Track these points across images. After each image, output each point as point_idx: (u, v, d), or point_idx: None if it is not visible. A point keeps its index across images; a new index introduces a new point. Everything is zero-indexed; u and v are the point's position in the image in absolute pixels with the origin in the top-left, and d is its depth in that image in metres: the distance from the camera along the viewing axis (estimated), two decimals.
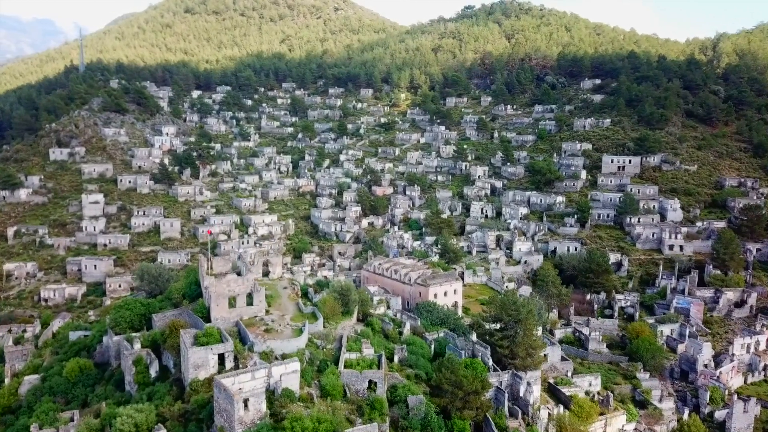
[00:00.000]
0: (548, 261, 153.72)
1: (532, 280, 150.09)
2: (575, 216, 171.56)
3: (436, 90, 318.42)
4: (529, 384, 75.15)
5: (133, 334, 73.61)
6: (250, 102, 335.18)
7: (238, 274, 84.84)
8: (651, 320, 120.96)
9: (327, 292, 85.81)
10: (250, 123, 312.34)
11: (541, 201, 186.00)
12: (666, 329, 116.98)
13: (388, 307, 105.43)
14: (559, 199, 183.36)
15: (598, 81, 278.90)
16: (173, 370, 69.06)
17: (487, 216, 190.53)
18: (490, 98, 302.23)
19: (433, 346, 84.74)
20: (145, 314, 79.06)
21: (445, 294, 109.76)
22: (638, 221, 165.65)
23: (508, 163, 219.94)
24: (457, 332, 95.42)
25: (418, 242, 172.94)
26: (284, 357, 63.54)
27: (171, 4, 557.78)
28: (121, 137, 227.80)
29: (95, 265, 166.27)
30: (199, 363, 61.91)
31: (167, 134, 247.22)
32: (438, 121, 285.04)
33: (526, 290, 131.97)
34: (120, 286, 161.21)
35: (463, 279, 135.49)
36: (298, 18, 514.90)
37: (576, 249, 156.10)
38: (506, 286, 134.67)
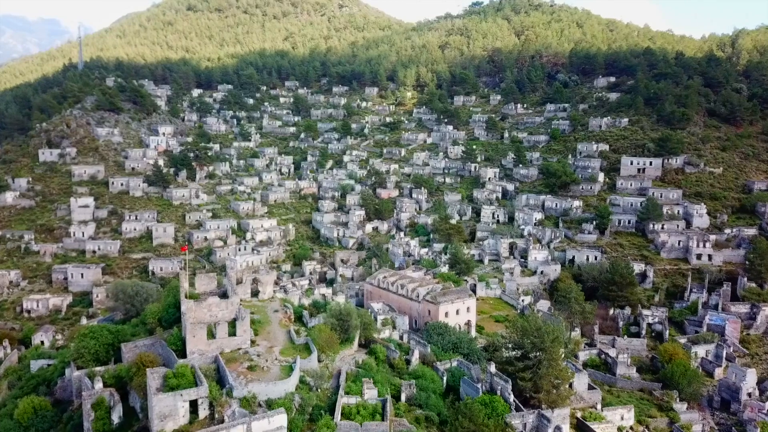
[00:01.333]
0: (566, 271, 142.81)
1: (548, 291, 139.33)
2: (594, 222, 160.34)
3: (443, 88, 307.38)
4: (559, 429, 64.32)
5: (97, 369, 63.18)
6: (251, 101, 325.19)
7: (224, 294, 74.43)
8: (683, 339, 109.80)
9: (324, 317, 75.31)
10: (252, 122, 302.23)
11: (556, 205, 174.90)
12: (700, 350, 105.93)
13: (394, 327, 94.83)
14: (576, 203, 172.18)
15: (612, 79, 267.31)
16: (140, 415, 58.67)
17: (498, 221, 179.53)
18: (499, 97, 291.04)
19: (445, 378, 74.06)
20: (114, 343, 68.72)
21: (457, 312, 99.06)
22: (662, 228, 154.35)
23: (520, 165, 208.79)
24: (471, 358, 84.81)
25: (426, 249, 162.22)
26: (269, 404, 53.00)
27: (174, 1, 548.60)
28: (115, 137, 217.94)
29: (82, 274, 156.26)
30: (166, 412, 51.55)
31: (164, 134, 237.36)
32: (445, 120, 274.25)
33: (544, 305, 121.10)
34: (108, 296, 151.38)
35: (475, 292, 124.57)
36: (301, 15, 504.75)
37: (596, 258, 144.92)
38: (522, 300, 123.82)
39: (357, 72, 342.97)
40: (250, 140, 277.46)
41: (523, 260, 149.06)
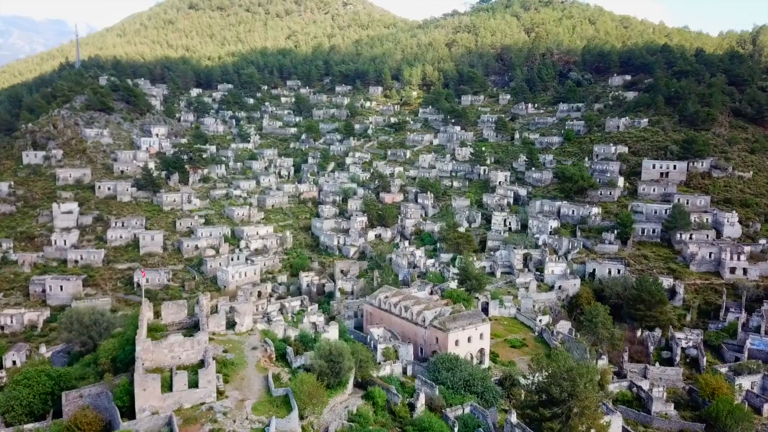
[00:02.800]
0: (586, 286, 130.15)
1: (567, 308, 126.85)
2: (615, 231, 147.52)
3: (450, 87, 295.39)
4: None
5: (27, 428, 51.39)
6: (252, 101, 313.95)
7: (196, 325, 62.46)
8: (724, 369, 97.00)
9: (311, 357, 63.16)
10: (251, 123, 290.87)
11: (573, 212, 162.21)
12: (745, 382, 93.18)
13: (397, 358, 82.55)
14: (595, 210, 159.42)
15: (628, 77, 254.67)
16: None
17: (510, 229, 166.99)
18: (509, 96, 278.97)
19: (456, 429, 61.82)
20: (55, 391, 56.96)
21: (469, 340, 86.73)
22: (690, 238, 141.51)
23: (533, 168, 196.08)
24: (486, 397, 72.61)
25: (432, 260, 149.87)
26: None
27: (176, 0, 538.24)
28: (104, 138, 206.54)
29: (61, 286, 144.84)
30: None
31: (157, 135, 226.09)
32: (453, 120, 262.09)
33: (564, 326, 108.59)
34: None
35: (487, 312, 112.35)
36: (305, 13, 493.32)
37: (619, 272, 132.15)
38: (539, 320, 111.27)
39: (361, 71, 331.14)
40: (248, 141, 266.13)
41: (538, 273, 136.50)
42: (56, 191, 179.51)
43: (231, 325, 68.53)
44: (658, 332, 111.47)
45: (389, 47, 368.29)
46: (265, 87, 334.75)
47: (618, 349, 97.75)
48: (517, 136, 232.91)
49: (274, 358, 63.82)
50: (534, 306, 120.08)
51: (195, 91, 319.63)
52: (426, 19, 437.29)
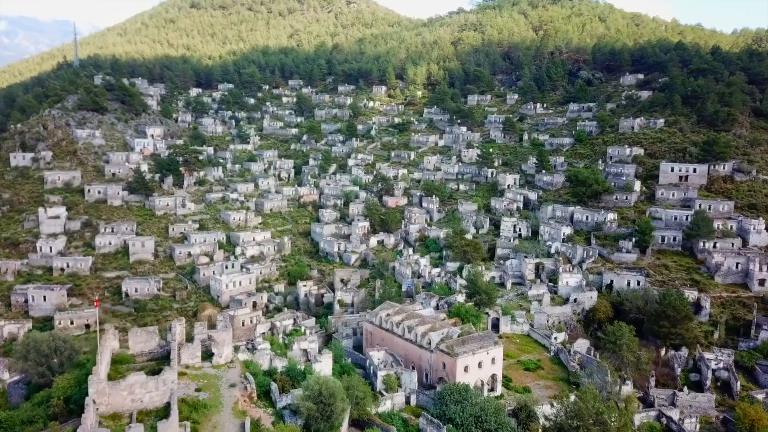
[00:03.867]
0: (603, 299, 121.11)
1: (583, 323, 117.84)
2: (633, 238, 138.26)
3: (456, 86, 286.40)
4: None
5: None
6: (252, 101, 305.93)
7: (167, 356, 53.88)
8: (760, 395, 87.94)
9: (298, 398, 54.38)
10: (251, 123, 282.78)
11: (587, 218, 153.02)
12: None
13: (399, 386, 73.78)
14: (610, 216, 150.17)
15: (640, 76, 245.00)
16: None
17: (521, 235, 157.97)
18: (516, 96, 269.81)
19: None
20: None
21: (480, 365, 77.88)
22: (714, 246, 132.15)
23: (544, 171, 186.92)
24: None
25: (438, 269, 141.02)
26: None
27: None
28: (96, 139, 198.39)
29: (45, 296, 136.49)
30: None
31: (152, 136, 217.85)
32: (459, 121, 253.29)
33: (582, 345, 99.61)
34: (72, 323, 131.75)
35: (498, 328, 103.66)
36: (308, 12, 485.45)
37: (638, 283, 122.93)
38: (554, 338, 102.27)
39: (364, 70, 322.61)
40: (248, 142, 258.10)
41: (552, 285, 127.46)
42: (44, 195, 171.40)
43: (208, 355, 60.03)
44: (684, 352, 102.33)
45: (393, 45, 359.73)
46: (267, 87, 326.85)
47: (644, 374, 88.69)
48: (525, 137, 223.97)
49: (255, 396, 55.17)
50: (548, 321, 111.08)
51: (195, 91, 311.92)
52: (431, 17, 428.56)
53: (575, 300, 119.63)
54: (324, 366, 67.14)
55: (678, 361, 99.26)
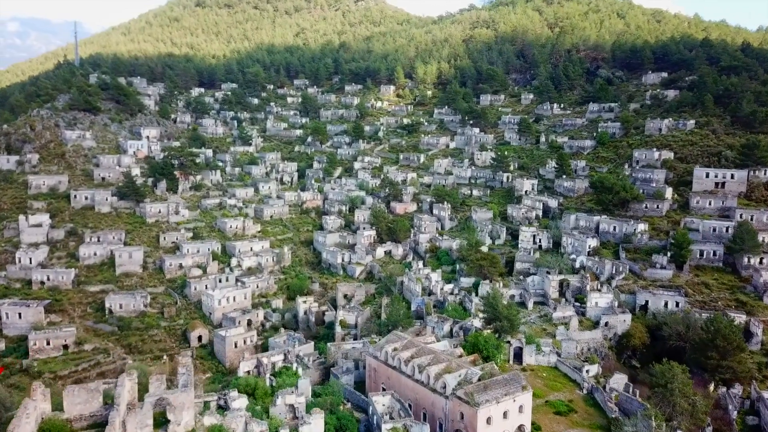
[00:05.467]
0: (638, 322, 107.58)
1: (615, 350, 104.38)
2: (668, 253, 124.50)
3: (467, 86, 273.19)
4: None
5: None
6: (256, 101, 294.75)
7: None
8: None
9: None
10: (254, 125, 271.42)
11: (614, 229, 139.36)
12: None
13: None
14: (641, 226, 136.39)
15: (664, 74, 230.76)
16: None
17: (541, 247, 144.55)
18: (531, 95, 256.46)
19: None
20: None
21: (505, 415, 64.85)
22: (761, 263, 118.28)
23: (564, 176, 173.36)
24: None
25: (451, 285, 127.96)
26: None
27: None
28: (87, 141, 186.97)
29: (20, 313, 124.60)
30: None
31: (147, 138, 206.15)
32: (471, 121, 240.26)
33: (619, 382, 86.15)
34: (49, 343, 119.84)
35: (521, 359, 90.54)
36: (314, 10, 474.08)
37: (677, 305, 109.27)
38: (586, 371, 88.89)
39: (372, 69, 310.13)
40: (250, 144, 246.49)
41: (578, 305, 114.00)
42: (27, 201, 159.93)
43: (163, 421, 47.49)
44: (738, 389, 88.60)
45: (402, 43, 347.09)
46: (271, 86, 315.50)
47: (701, 423, 75.06)
48: (542, 138, 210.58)
49: None
50: (577, 347, 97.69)
51: (197, 91, 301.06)
52: (441, 15, 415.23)
53: (606, 324, 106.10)
54: (314, 429, 54.47)
55: (732, 401, 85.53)
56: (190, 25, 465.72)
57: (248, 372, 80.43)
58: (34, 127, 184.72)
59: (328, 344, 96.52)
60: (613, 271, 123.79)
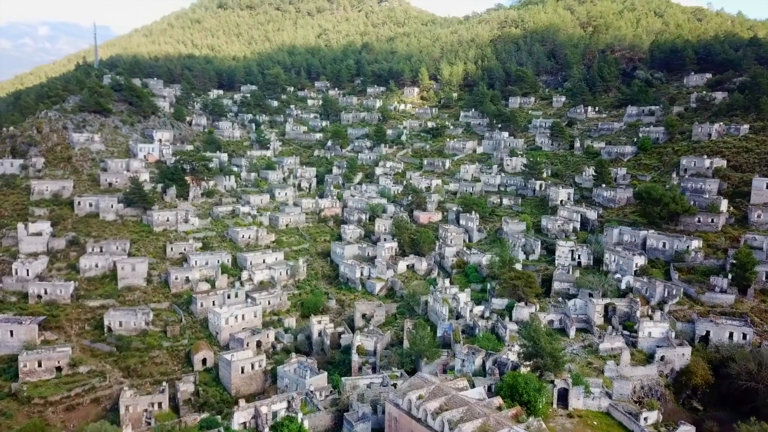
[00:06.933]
0: (698, 355, 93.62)
1: (673, 389, 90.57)
2: (728, 274, 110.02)
3: (495, 88, 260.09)
4: None
5: None
6: (276, 103, 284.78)
7: None
8: None
9: None
10: (273, 128, 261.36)
11: (664, 245, 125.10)
12: None
13: None
14: (694, 243, 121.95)
15: (708, 75, 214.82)
16: None
17: (580, 264, 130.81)
18: (564, 98, 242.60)
19: None
20: None
21: None
22: None
23: (603, 185, 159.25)
24: None
25: (481, 307, 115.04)
26: None
27: (206, 0, 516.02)
28: (95, 144, 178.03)
29: (11, 331, 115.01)
30: None
31: (159, 141, 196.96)
32: (499, 125, 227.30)
33: None
34: (40, 365, 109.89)
35: (566, 402, 77.34)
36: (337, 11, 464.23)
37: (744, 337, 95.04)
38: (644, 419, 75.38)
39: (395, 70, 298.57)
40: (268, 148, 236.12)
41: (628, 333, 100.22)
42: (29, 207, 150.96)
43: None
44: None
45: (427, 44, 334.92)
46: (291, 88, 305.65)
47: None
48: (577, 144, 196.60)
49: None
50: (632, 390, 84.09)
51: (215, 93, 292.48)
52: (467, 15, 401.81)
53: (662, 358, 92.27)
54: None
55: None
56: (212, 26, 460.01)
57: (244, 424, 68.59)
58: (40, 129, 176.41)
59: (343, 379, 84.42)
60: (665, 294, 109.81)
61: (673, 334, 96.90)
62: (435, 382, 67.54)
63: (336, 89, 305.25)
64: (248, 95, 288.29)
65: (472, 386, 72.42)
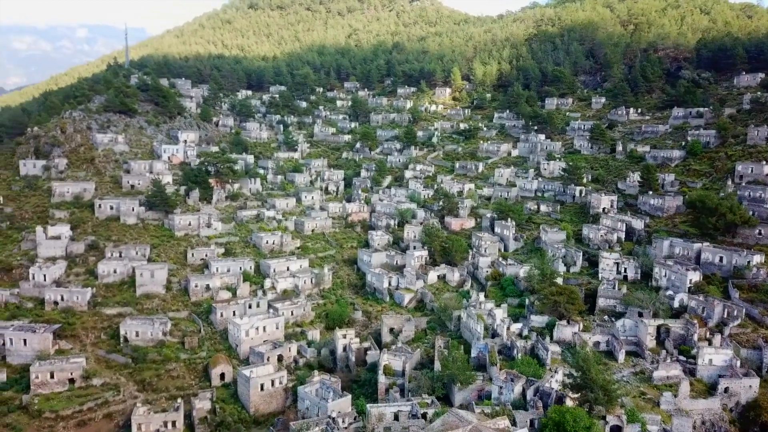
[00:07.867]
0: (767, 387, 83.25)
1: (739, 425, 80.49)
2: None
3: (531, 88, 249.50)
4: None
5: None
6: (304, 104, 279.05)
7: None
8: None
9: None
10: (301, 129, 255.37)
11: (721, 260, 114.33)
12: None
13: None
14: (756, 258, 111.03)
15: (762, 74, 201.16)
16: None
17: (626, 278, 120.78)
18: (603, 99, 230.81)
19: None
20: None
21: None
22: None
23: (650, 192, 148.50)
24: None
25: (519, 324, 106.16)
26: None
27: (236, 0, 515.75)
28: (119, 145, 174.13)
29: (25, 340, 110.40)
30: None
31: (185, 142, 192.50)
32: (535, 127, 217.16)
33: None
34: (53, 377, 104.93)
35: None
36: (368, 11, 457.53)
37: None
38: None
39: (427, 70, 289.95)
40: (295, 150, 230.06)
41: (683, 358, 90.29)
42: (49, 209, 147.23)
43: None
44: None
45: (459, 43, 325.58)
46: (320, 89, 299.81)
47: None
48: (619, 147, 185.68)
49: None
50: (691, 423, 74.55)
51: (243, 93, 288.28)
52: (502, 14, 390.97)
53: (726, 390, 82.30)
54: None
55: None
56: (242, 27, 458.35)
57: None
58: (64, 129, 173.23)
59: (368, 407, 76.66)
60: (725, 315, 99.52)
61: (738, 362, 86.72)
62: (472, 421, 59.30)
63: (366, 90, 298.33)
64: (277, 96, 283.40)
65: (513, 423, 63.89)
